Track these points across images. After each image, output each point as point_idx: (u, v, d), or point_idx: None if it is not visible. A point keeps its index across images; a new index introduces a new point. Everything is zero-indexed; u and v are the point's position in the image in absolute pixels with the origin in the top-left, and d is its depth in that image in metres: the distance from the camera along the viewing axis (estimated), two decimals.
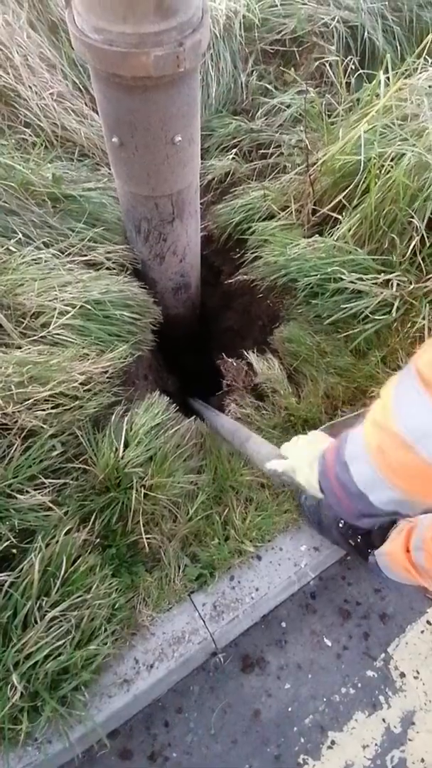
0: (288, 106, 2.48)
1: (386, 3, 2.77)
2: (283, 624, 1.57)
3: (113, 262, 1.77)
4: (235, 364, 2.05)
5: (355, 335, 1.87)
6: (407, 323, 1.86)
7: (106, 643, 1.27)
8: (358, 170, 1.89)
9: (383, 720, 1.46)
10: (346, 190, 1.98)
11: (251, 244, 2.21)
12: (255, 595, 1.48)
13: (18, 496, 1.25)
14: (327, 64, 2.55)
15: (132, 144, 1.37)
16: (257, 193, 2.29)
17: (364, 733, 1.44)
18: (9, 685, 1.11)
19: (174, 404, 1.72)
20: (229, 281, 2.33)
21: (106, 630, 1.28)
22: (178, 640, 1.39)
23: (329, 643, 1.55)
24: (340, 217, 2.00)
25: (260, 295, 2.25)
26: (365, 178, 1.88)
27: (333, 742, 1.42)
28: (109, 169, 1.81)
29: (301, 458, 0.97)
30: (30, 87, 1.98)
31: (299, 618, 1.59)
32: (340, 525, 1.50)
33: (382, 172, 1.85)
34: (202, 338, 2.71)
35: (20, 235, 1.56)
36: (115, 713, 1.30)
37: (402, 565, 1.31)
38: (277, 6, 2.55)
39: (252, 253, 2.18)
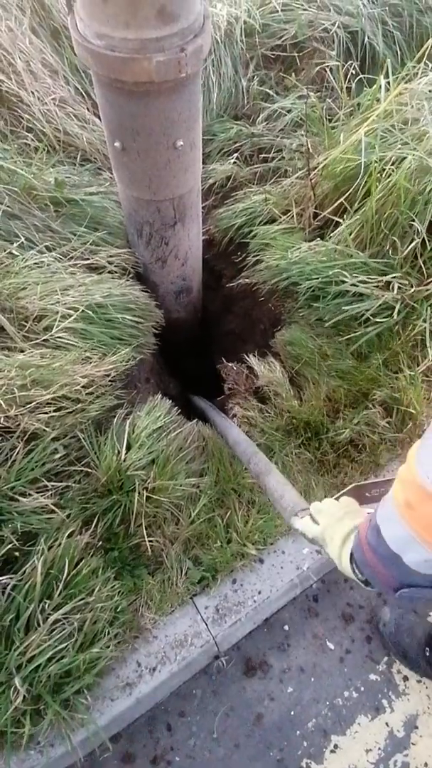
0: (289, 111, 2.49)
1: (386, 8, 2.78)
2: (286, 627, 1.57)
3: (115, 266, 1.77)
4: (235, 368, 2.06)
5: (356, 338, 1.88)
6: (408, 326, 1.86)
7: (108, 646, 1.27)
8: (359, 174, 1.90)
9: (386, 724, 1.45)
10: (347, 194, 1.99)
11: (252, 248, 2.21)
12: (257, 598, 1.48)
13: (20, 498, 1.25)
14: (328, 69, 2.56)
15: (134, 149, 1.38)
16: (258, 197, 2.30)
17: (367, 737, 1.43)
18: (12, 689, 1.11)
19: (176, 407, 1.73)
20: (231, 285, 2.34)
21: (108, 633, 1.28)
22: (181, 643, 1.39)
23: (332, 647, 1.54)
24: (341, 220, 2.01)
25: (261, 299, 2.25)
26: (366, 181, 1.89)
27: (336, 746, 1.42)
28: (111, 174, 1.82)
29: (334, 530, 0.89)
30: (32, 92, 1.99)
31: (302, 621, 1.58)
32: (428, 653, 1.43)
33: (383, 175, 1.86)
34: (204, 342, 2.71)
35: (23, 239, 1.56)
36: (118, 716, 1.30)
37: None
38: (278, 12, 2.57)
39: (253, 256, 2.19)
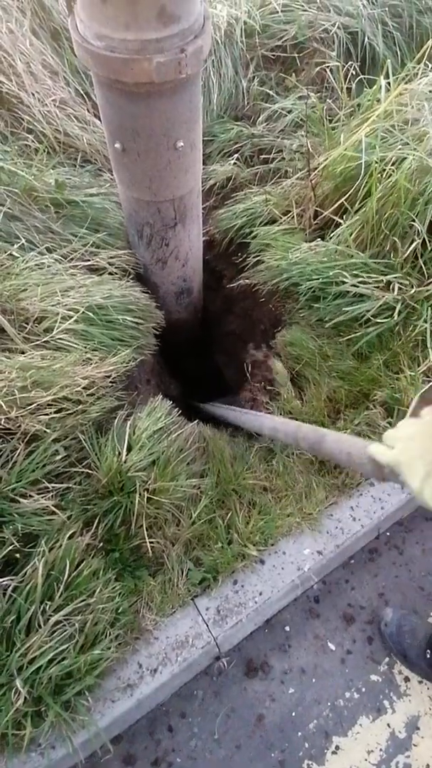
0: (289, 112, 2.49)
1: (386, 9, 2.78)
2: (287, 628, 1.57)
3: (116, 267, 1.77)
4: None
5: (357, 339, 1.88)
6: (409, 327, 1.86)
7: (109, 648, 1.27)
8: (359, 174, 1.90)
9: (388, 725, 1.45)
10: (348, 194, 1.99)
11: (253, 249, 2.22)
12: (258, 599, 1.48)
13: (21, 500, 1.26)
14: (328, 70, 2.56)
15: (134, 149, 1.38)
16: (259, 197, 2.30)
17: (368, 738, 1.43)
18: (13, 690, 1.11)
19: (177, 408, 1.73)
20: (231, 285, 2.34)
21: (109, 634, 1.28)
22: (182, 644, 1.39)
23: (333, 648, 1.54)
24: (341, 221, 2.01)
25: (262, 299, 2.25)
26: (366, 182, 1.89)
27: (337, 747, 1.42)
28: (111, 175, 1.82)
29: (412, 452, 0.75)
30: (33, 94, 2.00)
31: (303, 622, 1.58)
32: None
33: (384, 176, 1.86)
34: (204, 342, 2.71)
35: (23, 241, 1.57)
36: (119, 718, 1.29)
37: None
38: (278, 13, 2.57)
39: (254, 257, 2.19)
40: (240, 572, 1.52)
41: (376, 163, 1.82)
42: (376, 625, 1.58)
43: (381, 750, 1.42)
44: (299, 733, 1.42)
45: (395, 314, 1.83)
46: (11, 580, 1.20)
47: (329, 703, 1.46)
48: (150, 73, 1.13)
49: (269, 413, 1.83)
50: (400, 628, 1.51)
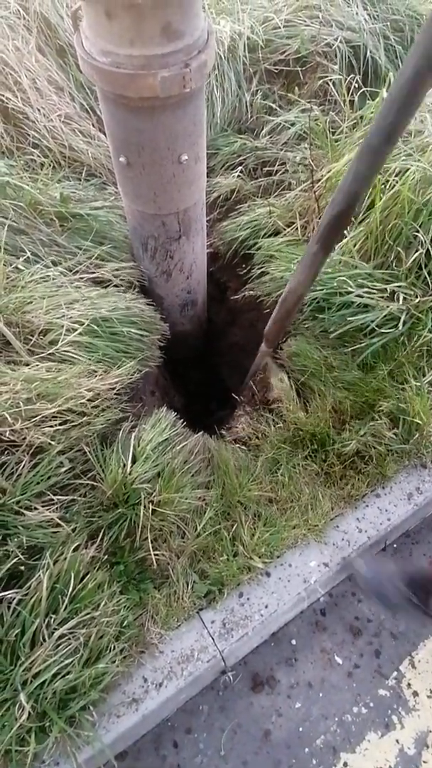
0: (292, 124, 2.51)
1: (387, 24, 2.81)
2: (293, 641, 1.55)
3: (120, 279, 1.79)
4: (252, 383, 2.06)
5: (361, 349, 1.87)
6: (414, 337, 1.86)
7: (114, 661, 1.26)
8: None
9: (397, 741, 1.43)
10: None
11: (257, 260, 2.22)
12: (264, 612, 1.47)
13: (26, 512, 1.25)
14: (330, 83, 2.59)
15: (139, 163, 1.39)
16: (263, 209, 2.32)
17: (377, 755, 1.41)
18: (17, 705, 1.10)
19: (181, 420, 1.73)
20: (236, 297, 2.35)
21: (114, 648, 1.27)
22: (187, 658, 1.38)
23: (340, 661, 1.52)
24: (345, 232, 2.01)
25: (266, 311, 2.25)
26: (370, 193, 1.90)
27: (345, 765, 1.39)
28: (116, 188, 1.84)
29: None
30: (38, 109, 2.03)
31: (309, 635, 1.56)
32: (412, 600, 1.43)
33: (387, 187, 1.86)
34: (209, 354, 2.72)
35: (29, 254, 1.58)
36: (124, 734, 1.28)
37: None
38: (280, 28, 2.60)
39: (258, 268, 2.20)
40: (245, 585, 1.51)
41: (380, 174, 1.83)
42: (384, 638, 1.56)
43: (390, 767, 1.39)
44: (306, 750, 1.40)
45: (400, 324, 1.83)
46: (16, 593, 1.20)
47: (337, 719, 1.44)
48: (155, 87, 1.15)
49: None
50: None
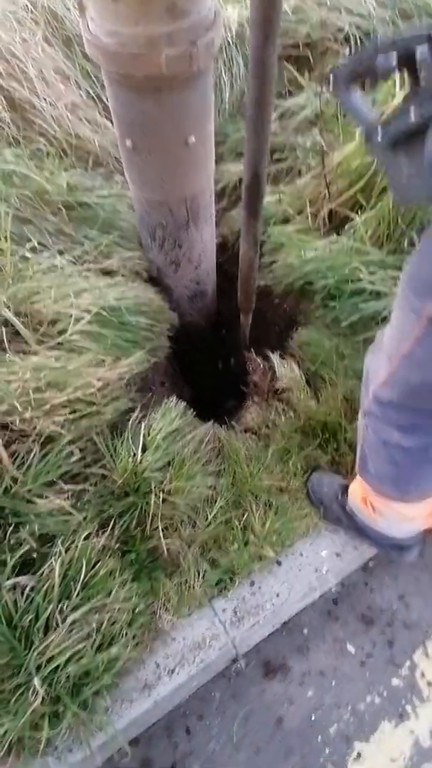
0: (302, 108, 2.47)
1: (396, 11, 2.76)
2: (305, 630, 1.55)
3: (128, 270, 1.78)
4: (262, 365, 2.04)
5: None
6: None
7: (127, 646, 1.26)
8: (375, 169, 1.88)
9: (411, 731, 1.42)
10: (363, 190, 1.96)
11: (267, 249, 2.20)
12: (276, 601, 1.46)
13: (37, 501, 1.26)
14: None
15: (145, 147, 1.38)
16: (272, 197, 2.29)
17: (391, 746, 1.40)
18: (31, 690, 1.11)
19: (191, 410, 1.72)
20: None
21: (126, 634, 1.27)
22: (199, 645, 1.38)
23: (353, 651, 1.51)
24: (357, 217, 1.98)
25: (276, 301, 2.24)
26: (383, 176, 1.86)
27: (359, 754, 1.39)
28: (123, 177, 1.83)
29: None
30: (44, 98, 2.01)
31: (321, 624, 1.56)
32: (338, 497, 1.53)
33: None
34: (219, 346, 2.70)
35: (36, 244, 1.58)
36: (136, 719, 1.29)
37: (359, 496, 1.36)
38: (289, 13, 2.56)
39: (268, 257, 2.18)
40: (257, 574, 1.51)
41: None
42: (397, 628, 1.55)
43: (405, 758, 1.38)
44: (319, 738, 1.40)
45: None
46: (29, 579, 1.21)
47: (349, 707, 1.44)
48: (160, 66, 1.13)
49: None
50: (321, 480, 1.61)
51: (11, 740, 1.11)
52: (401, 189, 0.80)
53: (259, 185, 1.27)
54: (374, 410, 1.11)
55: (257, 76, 1.04)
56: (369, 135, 0.77)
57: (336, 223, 2.12)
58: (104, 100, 2.19)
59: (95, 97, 2.21)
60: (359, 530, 1.49)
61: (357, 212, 2.00)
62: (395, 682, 1.47)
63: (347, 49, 2.60)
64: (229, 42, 2.45)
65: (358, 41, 2.62)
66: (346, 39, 2.61)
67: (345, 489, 1.53)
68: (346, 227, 2.03)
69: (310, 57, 2.61)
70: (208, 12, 1.18)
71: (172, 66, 1.16)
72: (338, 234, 2.03)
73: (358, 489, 1.37)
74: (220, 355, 2.71)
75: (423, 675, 1.48)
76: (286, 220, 2.24)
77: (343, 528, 1.58)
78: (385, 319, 1.83)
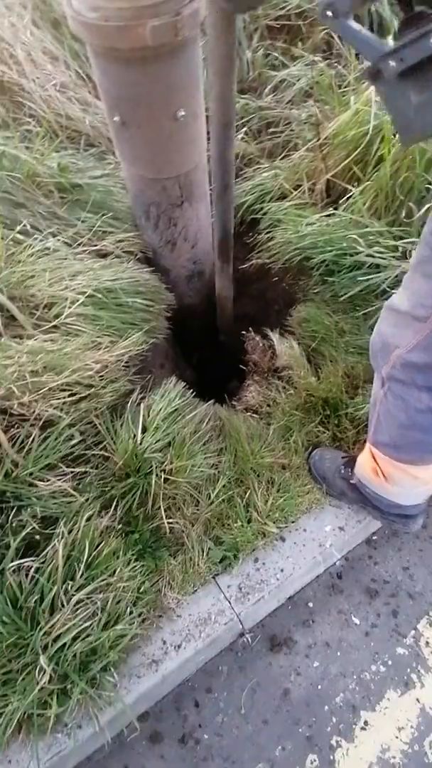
0: (297, 80, 2.41)
1: None
2: (310, 604, 1.56)
3: (124, 251, 1.76)
4: (261, 343, 2.03)
5: (373, 311, 1.82)
6: None
7: (132, 624, 1.28)
8: (370, 137, 1.83)
9: (417, 700, 1.44)
10: (360, 161, 1.92)
11: (264, 226, 2.17)
12: (280, 576, 1.47)
13: (39, 483, 1.27)
14: (335, 36, 2.47)
15: (134, 121, 1.35)
16: (268, 173, 2.25)
17: (398, 714, 1.42)
18: (38, 669, 1.13)
19: (191, 390, 1.71)
20: (244, 267, 2.30)
21: (132, 612, 1.29)
22: (205, 621, 1.40)
23: (357, 622, 1.53)
24: (354, 189, 1.94)
25: (275, 279, 2.21)
26: (378, 147, 1.82)
27: (366, 723, 1.41)
28: (116, 157, 1.80)
29: None
30: (33, 80, 1.98)
31: (326, 598, 1.57)
32: (341, 471, 1.54)
33: (397, 138, 1.78)
34: (218, 327, 2.68)
35: (29, 227, 1.56)
36: (145, 694, 1.31)
37: (369, 465, 1.36)
38: None
39: (265, 233, 2.15)
40: (261, 550, 1.52)
41: (389, 123, 1.75)
42: (401, 599, 1.56)
43: (412, 727, 1.40)
44: (326, 707, 1.42)
45: None
46: (33, 560, 1.22)
47: (355, 677, 1.45)
48: (144, 37, 1.11)
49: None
50: (323, 457, 1.62)
51: (20, 718, 1.14)
52: (409, 123, 0.77)
53: (228, 240, 1.50)
54: (398, 376, 1.08)
55: (221, 169, 1.21)
56: (380, 68, 0.73)
57: (334, 197, 2.08)
58: (93, 78, 2.15)
59: (85, 77, 2.17)
60: (364, 502, 1.50)
61: (354, 184, 1.96)
62: (400, 651, 1.49)
63: None
64: None
65: None
66: None
67: (347, 463, 1.54)
68: (343, 201, 1.99)
69: (302, 27, 2.53)
70: None
71: (157, 37, 1.13)
72: (335, 208, 2.00)
73: (367, 461, 1.37)
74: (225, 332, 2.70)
75: (428, 643, 1.49)
76: (282, 196, 2.20)
77: (347, 501, 1.59)
78: (385, 293, 1.81)
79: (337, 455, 1.61)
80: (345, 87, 2.19)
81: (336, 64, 2.44)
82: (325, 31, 2.48)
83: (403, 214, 1.85)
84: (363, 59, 2.31)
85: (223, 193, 1.24)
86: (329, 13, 0.75)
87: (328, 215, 1.96)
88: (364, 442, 1.41)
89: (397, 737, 1.39)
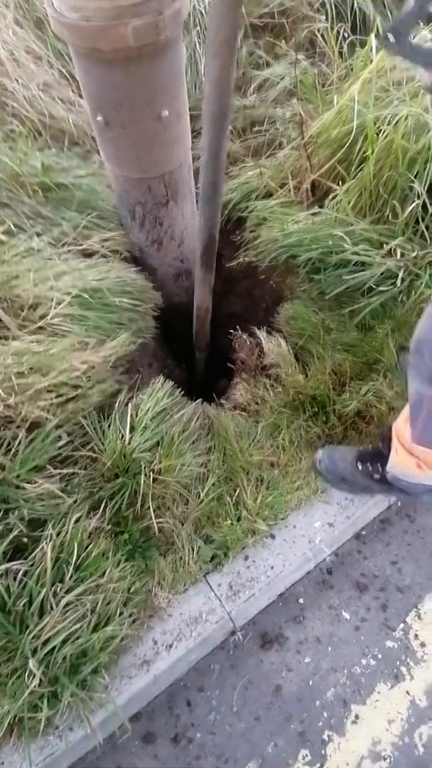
0: (281, 78, 2.42)
1: None
2: (301, 600, 1.57)
3: (110, 250, 1.75)
4: (248, 342, 2.03)
5: (359, 309, 1.84)
6: (413, 293, 1.82)
7: (123, 625, 1.27)
8: (355, 137, 1.84)
9: (407, 692, 1.45)
10: (344, 160, 1.93)
11: (250, 224, 2.17)
12: (270, 573, 1.48)
13: (26, 486, 1.26)
14: (318, 34, 2.48)
15: (118, 122, 1.34)
16: (253, 171, 2.25)
17: (388, 707, 1.43)
18: (27, 673, 1.12)
19: (179, 389, 1.71)
20: (231, 265, 2.30)
21: (122, 613, 1.29)
22: (196, 620, 1.40)
23: (347, 616, 1.54)
24: (338, 188, 1.95)
25: (263, 276, 2.22)
26: (363, 145, 1.83)
27: (357, 717, 1.42)
28: (100, 156, 1.79)
29: None
30: (16, 79, 1.97)
31: (316, 594, 1.58)
32: (359, 467, 1.53)
33: (380, 136, 1.80)
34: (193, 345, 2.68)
35: (12, 227, 1.55)
36: (137, 694, 1.31)
37: (412, 463, 1.34)
38: None
39: (251, 232, 2.15)
40: (251, 548, 1.52)
41: (372, 122, 1.76)
42: (390, 593, 1.57)
43: (402, 720, 1.41)
44: (317, 702, 1.43)
45: (398, 281, 1.79)
46: (21, 564, 1.21)
47: (346, 671, 1.47)
48: (126, 37, 1.10)
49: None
50: (332, 458, 1.60)
51: (11, 721, 1.13)
52: None
53: (214, 246, 1.46)
54: None
55: (213, 167, 1.15)
56: None
57: (319, 195, 2.09)
58: (77, 78, 2.14)
59: (68, 76, 2.16)
60: (390, 491, 1.53)
61: (339, 183, 1.97)
62: (389, 644, 1.50)
63: (323, 15, 2.54)
64: (202, 12, 2.39)
65: (333, 7, 2.55)
66: (322, 5, 2.54)
67: (362, 458, 1.54)
68: (329, 200, 2.00)
69: (286, 25, 2.54)
70: None
71: (140, 37, 1.13)
72: (321, 206, 2.01)
73: (408, 460, 1.35)
74: (210, 335, 2.70)
75: (416, 636, 1.51)
76: (268, 194, 2.21)
77: (371, 493, 1.61)
78: (371, 290, 1.82)
79: (346, 453, 1.60)
80: (328, 86, 2.20)
81: (319, 63, 2.45)
82: (308, 28, 2.49)
83: (387, 213, 1.86)
84: (346, 58, 2.33)
85: (212, 196, 1.23)
86: (392, 38, 0.75)
87: (314, 213, 1.96)
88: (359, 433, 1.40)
89: (387, 730, 1.40)
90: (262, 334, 1.94)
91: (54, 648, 1.15)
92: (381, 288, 1.80)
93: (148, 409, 1.51)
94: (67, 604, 1.19)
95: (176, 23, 1.17)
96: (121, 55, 1.16)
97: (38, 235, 1.58)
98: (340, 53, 2.36)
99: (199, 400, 1.78)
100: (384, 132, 1.78)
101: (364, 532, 1.69)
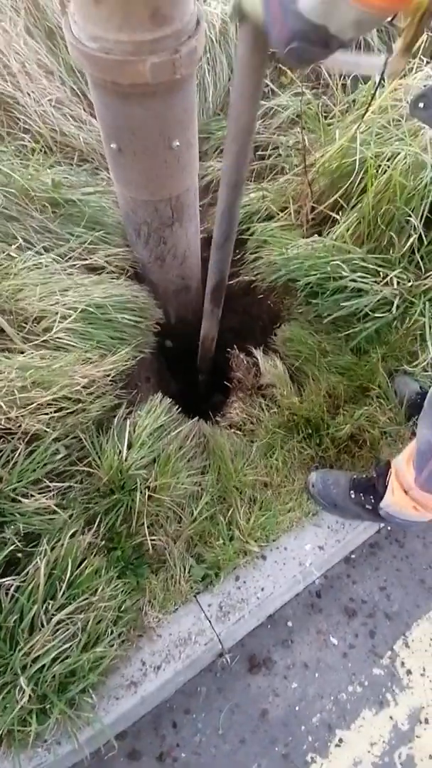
0: (285, 108, 2.49)
1: None
2: (289, 623, 1.57)
3: (114, 266, 1.77)
4: (245, 361, 2.06)
5: (355, 334, 1.88)
6: (407, 321, 1.87)
7: (112, 645, 1.27)
8: (354, 170, 1.90)
9: (390, 717, 1.46)
10: (344, 191, 1.99)
11: (251, 245, 2.22)
12: (260, 595, 1.49)
13: (22, 500, 1.26)
14: (322, 66, 2.56)
15: (130, 150, 1.38)
16: (256, 194, 2.30)
17: (371, 731, 1.44)
18: (17, 688, 1.12)
19: (176, 406, 1.73)
20: (230, 283, 2.33)
21: (112, 632, 1.28)
22: (185, 641, 1.40)
23: (335, 642, 1.55)
24: (338, 216, 2.01)
25: (261, 296, 2.25)
26: (362, 178, 1.89)
27: (341, 740, 1.43)
28: (108, 173, 1.82)
29: None
30: (28, 94, 1.99)
31: (305, 617, 1.59)
32: (352, 495, 1.54)
33: (379, 171, 1.86)
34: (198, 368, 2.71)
35: (21, 241, 1.57)
36: (123, 715, 1.30)
37: (409, 505, 1.34)
38: None
39: (251, 253, 2.19)
40: (242, 568, 1.53)
41: (372, 159, 1.82)
42: (379, 619, 1.59)
43: (384, 742, 1.43)
44: (303, 727, 1.43)
45: (393, 308, 1.83)
46: (14, 579, 1.21)
47: (332, 697, 1.47)
48: (144, 74, 1.13)
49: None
50: (326, 482, 1.61)
51: (1, 732, 1.12)
52: None
53: (223, 284, 1.56)
54: None
55: (228, 221, 1.29)
56: None
57: (318, 220, 2.14)
58: (89, 96, 2.17)
59: (80, 93, 2.19)
60: (379, 521, 1.55)
61: (338, 211, 2.02)
62: (376, 671, 1.51)
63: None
64: (212, 40, 2.45)
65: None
66: None
67: (356, 487, 1.56)
68: (328, 226, 2.05)
69: None
70: (190, 18, 1.18)
71: (157, 74, 1.16)
72: (320, 233, 2.06)
73: (405, 501, 1.36)
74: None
75: (403, 664, 1.53)
76: (269, 217, 2.25)
77: (362, 520, 1.63)
78: (367, 316, 1.87)
79: (339, 478, 1.62)
80: (331, 117, 2.27)
81: (323, 95, 2.52)
82: None
83: (385, 243, 1.92)
84: (349, 92, 2.40)
85: (224, 243, 1.31)
86: (421, 105, 0.77)
87: (313, 240, 2.01)
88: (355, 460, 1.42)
89: (369, 752, 1.41)
90: (258, 354, 1.98)
91: (44, 666, 1.15)
92: (376, 314, 1.85)
93: (146, 426, 1.53)
94: (58, 622, 1.19)
95: (191, 62, 1.21)
96: (138, 89, 1.19)
97: (46, 250, 1.60)
98: (343, 86, 2.43)
99: (196, 418, 1.80)
100: (383, 168, 1.84)
101: (353, 556, 1.71)
